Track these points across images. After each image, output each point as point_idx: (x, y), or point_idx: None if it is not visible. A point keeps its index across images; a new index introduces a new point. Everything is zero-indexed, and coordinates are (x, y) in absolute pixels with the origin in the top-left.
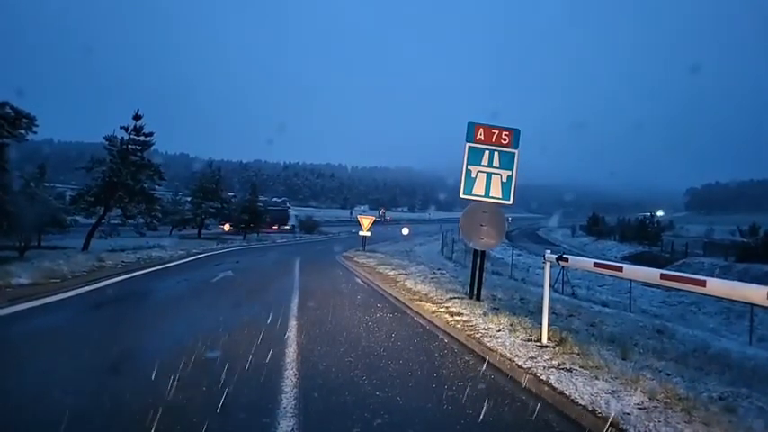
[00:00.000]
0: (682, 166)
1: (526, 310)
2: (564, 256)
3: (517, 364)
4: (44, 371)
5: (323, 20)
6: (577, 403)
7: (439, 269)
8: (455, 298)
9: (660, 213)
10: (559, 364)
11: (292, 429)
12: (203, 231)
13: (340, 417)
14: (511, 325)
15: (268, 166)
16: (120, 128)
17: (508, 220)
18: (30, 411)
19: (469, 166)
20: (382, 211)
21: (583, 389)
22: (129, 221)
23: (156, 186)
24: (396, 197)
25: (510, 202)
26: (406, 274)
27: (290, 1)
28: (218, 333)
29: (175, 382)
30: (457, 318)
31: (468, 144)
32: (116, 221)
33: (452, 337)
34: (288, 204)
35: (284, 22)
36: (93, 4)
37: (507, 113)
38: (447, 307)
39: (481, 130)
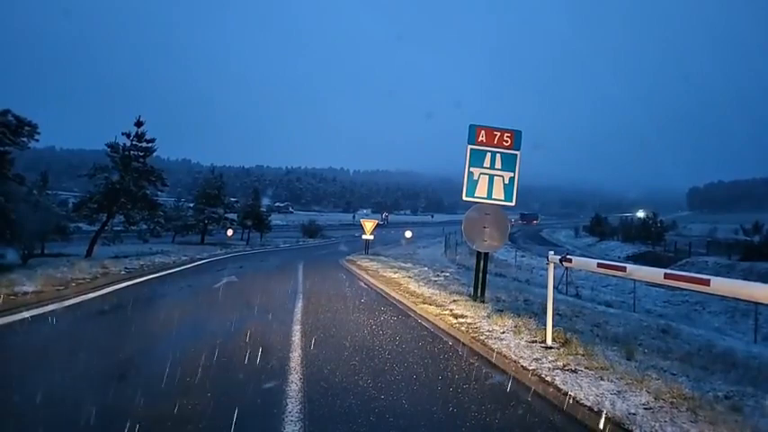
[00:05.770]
0: (685, 166)
1: (530, 311)
2: (567, 256)
3: (522, 366)
4: (50, 377)
5: (324, 23)
6: (583, 404)
7: (442, 272)
8: (459, 300)
9: (640, 214)
10: (564, 366)
11: None
12: (207, 237)
13: (345, 421)
14: (515, 326)
15: (270, 171)
16: (122, 134)
17: (511, 221)
18: (36, 417)
19: (471, 169)
20: (385, 214)
21: (588, 390)
22: (132, 228)
23: (159, 192)
24: (398, 200)
25: (512, 204)
26: (409, 277)
27: (292, 7)
28: (223, 337)
29: (180, 388)
30: (461, 320)
31: (469, 146)
32: (119, 228)
33: (457, 339)
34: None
35: (286, 27)
36: (95, 12)
37: (507, 114)
38: (451, 309)
39: (483, 132)
